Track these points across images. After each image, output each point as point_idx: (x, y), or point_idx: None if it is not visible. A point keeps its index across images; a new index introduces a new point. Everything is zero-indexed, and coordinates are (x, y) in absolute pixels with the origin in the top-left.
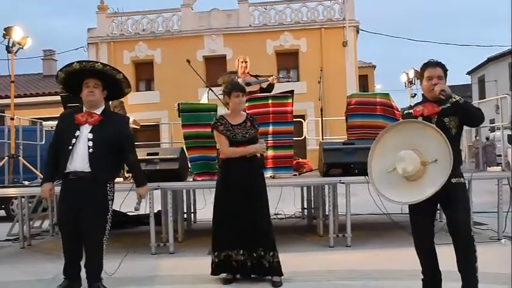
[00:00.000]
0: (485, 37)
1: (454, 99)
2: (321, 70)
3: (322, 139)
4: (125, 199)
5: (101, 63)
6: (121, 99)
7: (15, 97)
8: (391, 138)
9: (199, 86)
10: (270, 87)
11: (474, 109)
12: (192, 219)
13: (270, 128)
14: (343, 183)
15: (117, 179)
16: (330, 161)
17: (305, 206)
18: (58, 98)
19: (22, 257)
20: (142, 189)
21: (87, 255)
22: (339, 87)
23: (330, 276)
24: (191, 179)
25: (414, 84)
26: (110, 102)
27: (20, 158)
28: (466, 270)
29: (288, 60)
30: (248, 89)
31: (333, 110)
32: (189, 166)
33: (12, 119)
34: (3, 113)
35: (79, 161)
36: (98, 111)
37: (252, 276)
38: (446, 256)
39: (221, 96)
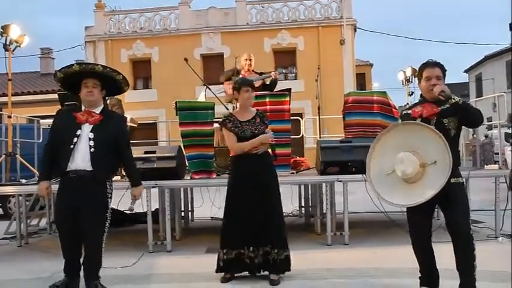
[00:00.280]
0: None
1: (454, 100)
2: (319, 68)
3: (320, 137)
4: (122, 197)
5: (101, 65)
6: (119, 98)
7: (12, 95)
8: (390, 140)
9: (197, 84)
10: (273, 83)
11: (473, 110)
12: (190, 217)
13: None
14: (340, 181)
15: (115, 177)
16: (328, 159)
17: (303, 205)
18: (55, 96)
19: (19, 256)
20: (137, 190)
21: (86, 254)
22: (336, 86)
23: (328, 275)
24: (189, 177)
25: (411, 82)
26: (108, 101)
27: (17, 156)
28: (464, 269)
29: (285, 58)
30: None
31: (330, 108)
32: (187, 164)
33: (9, 117)
34: (1, 111)
35: (80, 159)
36: (97, 111)
37: (260, 274)
38: (443, 254)
39: (221, 94)
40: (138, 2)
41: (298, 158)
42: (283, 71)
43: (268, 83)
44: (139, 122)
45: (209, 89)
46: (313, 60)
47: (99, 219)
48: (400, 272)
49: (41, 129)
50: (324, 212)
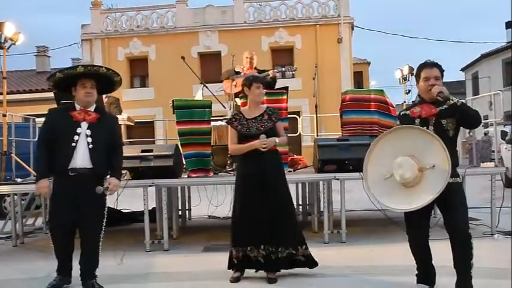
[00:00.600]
0: (479, 34)
1: (452, 101)
2: (316, 67)
3: (317, 135)
4: (119, 195)
5: (105, 67)
6: (117, 97)
7: (7, 93)
8: (387, 144)
9: (194, 83)
10: (273, 81)
11: (472, 111)
12: (187, 216)
13: None
14: (337, 179)
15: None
16: (325, 157)
17: (300, 203)
18: (51, 94)
19: (15, 255)
20: (114, 180)
21: (83, 253)
22: (333, 84)
23: (325, 272)
24: (186, 176)
25: (408, 80)
26: (106, 99)
27: (13, 155)
28: (462, 268)
29: (283, 56)
30: None
31: (327, 106)
32: (184, 163)
33: (4, 115)
34: None
35: (80, 157)
36: (92, 109)
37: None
38: (440, 251)
39: (219, 93)
40: (135, 0)
41: (295, 156)
42: (283, 69)
43: (269, 80)
44: (136, 120)
45: (206, 87)
46: (310, 58)
47: (98, 217)
48: (397, 269)
49: (37, 128)
50: (321, 210)
